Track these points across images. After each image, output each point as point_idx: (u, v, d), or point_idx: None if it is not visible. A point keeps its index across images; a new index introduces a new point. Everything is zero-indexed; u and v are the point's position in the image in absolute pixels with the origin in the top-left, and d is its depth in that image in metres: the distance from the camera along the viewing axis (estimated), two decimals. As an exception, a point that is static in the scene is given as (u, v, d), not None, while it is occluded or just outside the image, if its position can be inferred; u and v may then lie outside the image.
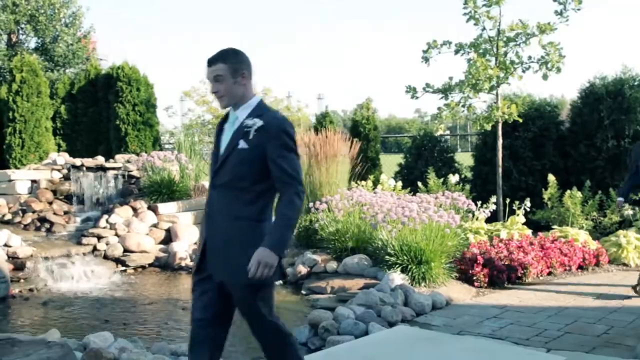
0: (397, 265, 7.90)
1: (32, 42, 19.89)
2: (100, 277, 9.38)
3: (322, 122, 15.31)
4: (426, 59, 10.91)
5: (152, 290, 8.80)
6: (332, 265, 8.71)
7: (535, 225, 10.92)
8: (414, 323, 6.50)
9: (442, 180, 11.76)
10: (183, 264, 10.03)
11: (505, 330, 6.16)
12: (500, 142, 11.02)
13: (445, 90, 10.84)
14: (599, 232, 10.64)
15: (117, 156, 12.98)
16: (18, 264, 9.04)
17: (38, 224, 10.59)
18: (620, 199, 7.79)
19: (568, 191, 10.78)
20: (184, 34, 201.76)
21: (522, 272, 8.26)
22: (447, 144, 14.96)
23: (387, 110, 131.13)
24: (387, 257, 8.03)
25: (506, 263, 8.22)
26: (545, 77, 10.47)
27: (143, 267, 10.15)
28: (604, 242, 9.66)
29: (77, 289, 8.83)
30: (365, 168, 13.39)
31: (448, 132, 21.95)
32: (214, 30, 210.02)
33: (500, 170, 11.00)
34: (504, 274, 8.08)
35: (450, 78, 10.85)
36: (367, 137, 14.93)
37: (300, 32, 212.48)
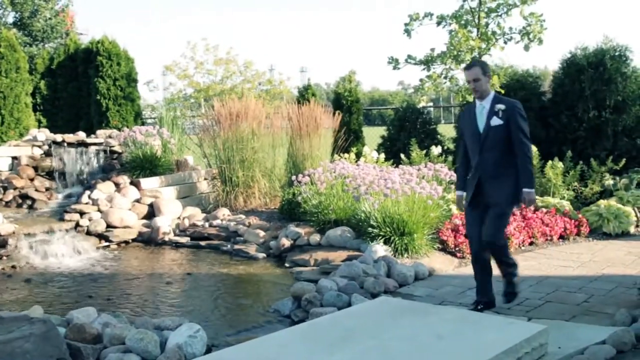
0: (380, 237, 7.94)
1: (10, 17, 19.65)
2: (83, 253, 9.36)
3: (304, 95, 15.26)
4: (408, 32, 10.85)
5: (135, 265, 8.80)
6: (315, 237, 8.74)
7: (517, 195, 10.96)
8: (396, 294, 6.55)
9: (424, 152, 11.79)
10: (166, 238, 10.03)
11: (487, 299, 6.21)
12: (482, 113, 11.02)
13: (427, 62, 10.81)
14: (580, 202, 10.73)
15: (99, 131, 12.88)
16: (0, 241, 8.99)
17: (20, 200, 10.53)
18: None
19: (549, 162, 10.84)
20: (166, 6, 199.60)
21: (504, 242, 8.32)
22: (429, 115, 14.96)
23: (370, 83, 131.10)
24: (369, 229, 8.07)
25: (488, 234, 8.27)
26: (527, 48, 10.47)
27: (126, 242, 10.13)
28: (585, 212, 9.74)
29: (60, 265, 8.81)
30: (348, 141, 13.40)
31: (431, 104, 21.97)
32: (196, 3, 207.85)
33: (482, 141, 11.02)
34: (486, 245, 8.13)
35: (432, 49, 10.82)
36: (349, 110, 14.91)
37: (282, 3, 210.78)
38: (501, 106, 5.51)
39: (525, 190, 5.44)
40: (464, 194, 5.90)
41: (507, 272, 5.77)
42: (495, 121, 5.50)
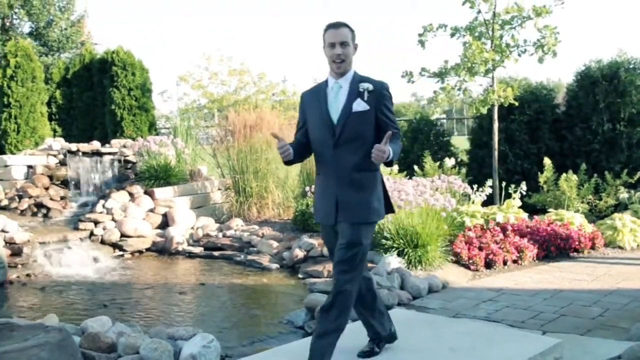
0: (393, 249, 7.93)
1: (26, 27, 19.83)
2: (97, 262, 9.39)
3: (318, 106, 15.23)
4: (422, 43, 10.89)
5: (149, 275, 8.83)
6: (329, 249, 8.72)
7: (531, 208, 10.95)
8: (410, 306, 6.53)
9: (438, 164, 11.77)
10: (180, 248, 10.05)
11: (501, 313, 6.20)
12: (496, 125, 11.03)
13: (441, 74, 10.83)
14: (594, 215, 10.68)
15: (113, 141, 12.95)
16: (15, 249, 9.04)
17: (35, 209, 10.60)
18: None
19: (564, 174, 10.80)
20: (179, 18, 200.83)
21: (518, 255, 8.30)
22: (443, 127, 14.99)
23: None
24: (383, 240, 8.06)
25: (502, 246, 8.26)
26: (541, 60, 10.46)
27: (140, 251, 10.16)
28: (600, 225, 9.69)
29: (75, 274, 8.84)
30: (361, 152, 13.37)
31: (444, 115, 21.96)
32: (209, 14, 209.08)
33: (496, 153, 11.02)
34: (500, 258, 8.11)
35: (446, 62, 10.85)
36: (363, 121, 14.88)
37: (295, 15, 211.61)
38: (367, 85, 4.12)
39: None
40: None
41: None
42: (360, 105, 4.09)
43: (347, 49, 4.10)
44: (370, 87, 4.10)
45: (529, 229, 8.88)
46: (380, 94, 4.12)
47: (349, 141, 4.06)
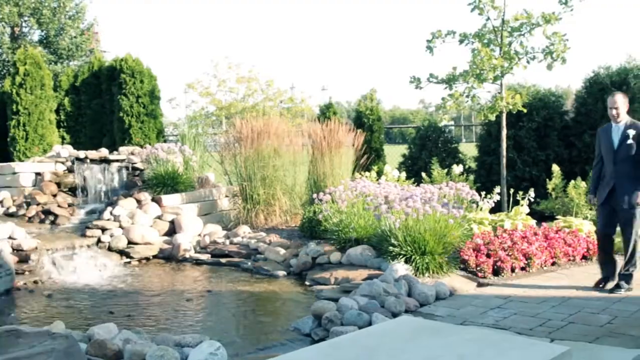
0: (400, 256, 7.90)
1: (36, 35, 19.92)
2: (104, 269, 9.41)
3: (325, 113, 15.29)
4: (430, 49, 10.88)
5: (156, 282, 8.83)
6: (336, 256, 8.72)
7: (539, 215, 10.91)
8: (417, 313, 6.50)
9: (446, 170, 11.75)
10: (187, 255, 10.05)
11: (509, 320, 6.16)
12: (504, 132, 11.00)
13: (450, 81, 10.82)
14: (603, 222, 10.60)
15: (121, 148, 12.99)
16: (22, 256, 9.06)
17: (42, 216, 10.63)
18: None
19: (572, 181, 10.76)
20: (187, 26, 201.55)
21: (526, 262, 8.25)
22: (451, 134, 14.95)
23: (391, 101, 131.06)
24: (390, 247, 8.03)
25: (510, 253, 8.21)
26: (550, 67, 10.44)
27: (147, 258, 10.16)
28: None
29: (82, 281, 8.85)
30: (369, 159, 13.39)
31: (452, 122, 21.90)
32: (217, 21, 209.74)
33: (504, 160, 10.98)
34: (508, 265, 8.07)
35: (454, 68, 10.83)
36: (370, 128, 14.91)
37: (303, 21, 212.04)
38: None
39: None
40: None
41: None
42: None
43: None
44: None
45: (537, 236, 8.83)
46: None
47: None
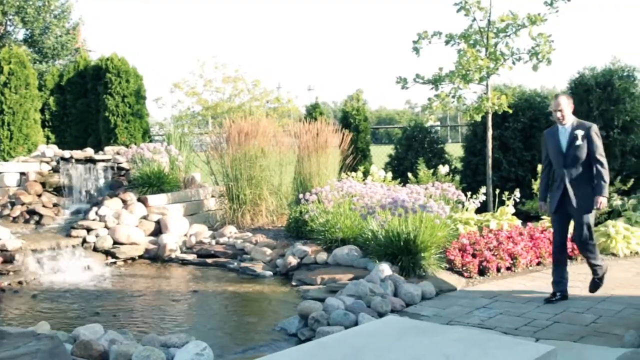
0: (387, 256, 7.92)
1: (21, 34, 19.80)
2: (90, 269, 9.36)
3: (312, 113, 15.30)
4: (416, 50, 10.90)
5: (142, 282, 8.79)
6: (322, 256, 8.72)
7: (525, 215, 10.96)
8: (403, 313, 6.52)
9: (432, 171, 11.78)
10: (173, 255, 10.02)
11: (495, 320, 6.19)
12: (490, 133, 11.04)
13: (436, 81, 10.84)
14: (588, 222, 10.66)
15: (107, 148, 12.93)
16: (7, 256, 9.01)
17: (27, 216, 10.56)
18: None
19: (557, 181, 10.79)
20: (174, 26, 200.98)
21: (512, 262, 8.30)
22: (437, 134, 14.98)
23: (377, 102, 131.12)
24: (377, 247, 8.05)
25: (495, 253, 8.25)
26: (535, 68, 10.48)
27: (133, 259, 10.13)
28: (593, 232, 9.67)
29: (67, 281, 8.80)
30: (355, 159, 13.40)
31: (438, 123, 21.96)
32: (203, 21, 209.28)
33: (490, 161, 11.02)
34: (494, 265, 8.11)
35: (441, 69, 10.85)
36: (357, 128, 14.93)
37: (289, 22, 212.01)
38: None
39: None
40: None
41: None
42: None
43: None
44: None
45: (522, 236, 8.87)
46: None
47: None
